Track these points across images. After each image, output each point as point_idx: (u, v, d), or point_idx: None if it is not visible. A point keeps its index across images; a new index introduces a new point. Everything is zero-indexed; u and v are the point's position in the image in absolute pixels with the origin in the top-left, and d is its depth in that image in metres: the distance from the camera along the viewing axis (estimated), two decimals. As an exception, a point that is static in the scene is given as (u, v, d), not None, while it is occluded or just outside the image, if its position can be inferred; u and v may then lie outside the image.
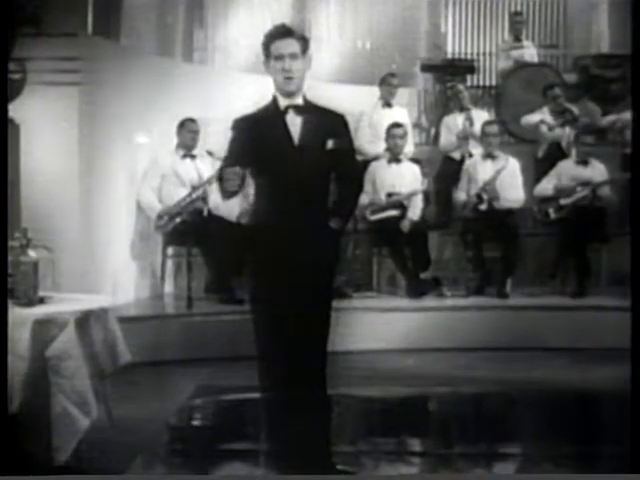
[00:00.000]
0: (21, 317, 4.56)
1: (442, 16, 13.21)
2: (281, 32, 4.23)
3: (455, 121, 9.93)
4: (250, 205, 4.29)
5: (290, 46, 4.21)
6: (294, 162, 4.20)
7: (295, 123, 4.25)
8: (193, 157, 8.22)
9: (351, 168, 4.45)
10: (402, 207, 8.66)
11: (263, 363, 4.30)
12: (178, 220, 7.94)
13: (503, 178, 8.67)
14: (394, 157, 8.83)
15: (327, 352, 4.34)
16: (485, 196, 8.65)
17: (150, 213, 8.11)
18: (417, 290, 8.41)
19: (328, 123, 4.29)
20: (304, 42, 4.27)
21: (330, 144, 4.26)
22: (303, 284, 4.20)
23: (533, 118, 9.84)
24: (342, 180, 4.35)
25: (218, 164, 7.61)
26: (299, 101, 4.27)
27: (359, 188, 4.63)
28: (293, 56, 4.21)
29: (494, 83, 12.12)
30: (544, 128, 9.74)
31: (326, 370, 4.33)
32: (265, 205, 4.21)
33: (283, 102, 4.26)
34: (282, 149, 4.22)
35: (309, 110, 4.27)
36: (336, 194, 4.32)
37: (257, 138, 4.21)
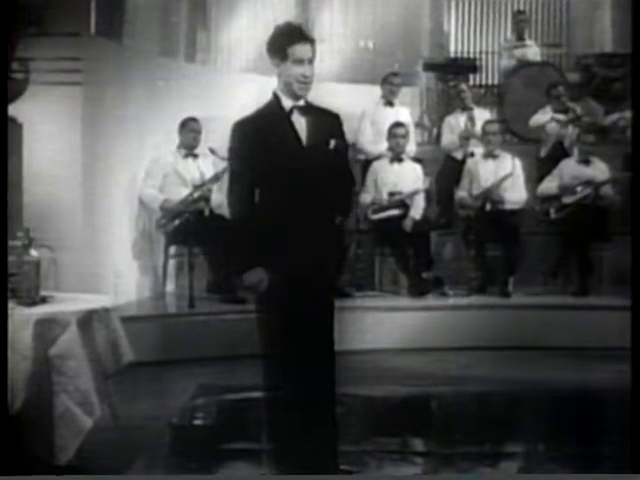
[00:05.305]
0: (24, 317, 4.56)
1: (445, 15, 13.22)
2: (300, 36, 4.22)
3: (457, 120, 9.94)
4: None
5: (309, 51, 4.21)
6: (303, 162, 4.22)
7: (301, 123, 4.26)
8: (195, 156, 8.23)
9: (346, 165, 4.47)
10: (404, 206, 8.66)
11: (269, 362, 4.30)
12: (180, 220, 7.95)
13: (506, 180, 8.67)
14: (396, 156, 8.83)
15: (334, 350, 4.36)
16: (489, 202, 8.64)
17: (153, 206, 8.12)
18: (419, 289, 8.41)
19: (327, 123, 4.32)
20: (315, 45, 4.29)
21: (332, 143, 4.28)
22: (317, 282, 4.23)
23: (542, 118, 9.82)
24: (339, 177, 4.37)
25: (220, 163, 7.71)
26: (302, 102, 4.28)
27: (354, 184, 4.63)
28: (310, 61, 4.22)
29: (497, 82, 12.13)
30: (553, 125, 9.70)
31: (335, 368, 4.35)
32: (274, 205, 4.20)
33: (287, 103, 4.26)
34: (291, 150, 4.23)
35: (310, 111, 4.29)
36: (334, 192, 4.33)
37: (264, 140, 4.19)
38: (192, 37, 10.29)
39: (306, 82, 4.22)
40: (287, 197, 4.20)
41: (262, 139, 4.20)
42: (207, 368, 7.01)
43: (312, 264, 4.21)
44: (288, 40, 4.20)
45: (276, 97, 4.28)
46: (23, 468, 4.38)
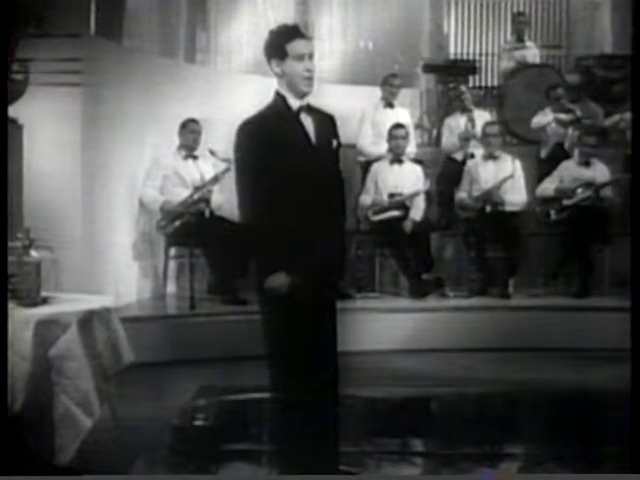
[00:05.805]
0: (24, 317, 4.56)
1: (444, 17, 13.23)
2: (298, 32, 4.24)
3: (457, 122, 9.94)
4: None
5: (308, 46, 4.23)
6: (312, 162, 4.22)
7: (308, 124, 4.26)
8: (195, 158, 8.23)
9: (339, 166, 4.47)
10: (404, 208, 8.67)
11: (272, 363, 4.29)
12: (180, 221, 7.95)
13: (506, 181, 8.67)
14: (396, 158, 8.83)
15: (337, 351, 4.36)
16: (489, 203, 8.63)
17: (153, 207, 8.12)
18: (419, 291, 8.41)
19: (327, 123, 4.33)
20: (312, 41, 4.31)
21: (334, 143, 4.30)
22: (321, 283, 4.24)
23: (544, 119, 9.84)
24: (336, 177, 4.38)
25: (220, 164, 7.72)
26: (305, 102, 4.28)
27: (343, 185, 4.61)
28: (311, 56, 4.23)
29: (496, 84, 12.14)
30: (554, 127, 9.74)
31: (338, 369, 4.35)
32: (286, 206, 4.19)
33: (295, 103, 4.24)
34: (302, 150, 4.22)
35: (313, 111, 4.29)
36: (334, 192, 4.34)
37: (273, 140, 4.17)
38: (192, 37, 10.32)
39: (310, 77, 4.22)
40: (297, 197, 4.18)
41: (271, 139, 4.16)
42: (208, 369, 7.00)
43: (319, 265, 4.20)
44: (286, 38, 4.20)
45: (280, 97, 4.25)
46: (23, 468, 4.38)
